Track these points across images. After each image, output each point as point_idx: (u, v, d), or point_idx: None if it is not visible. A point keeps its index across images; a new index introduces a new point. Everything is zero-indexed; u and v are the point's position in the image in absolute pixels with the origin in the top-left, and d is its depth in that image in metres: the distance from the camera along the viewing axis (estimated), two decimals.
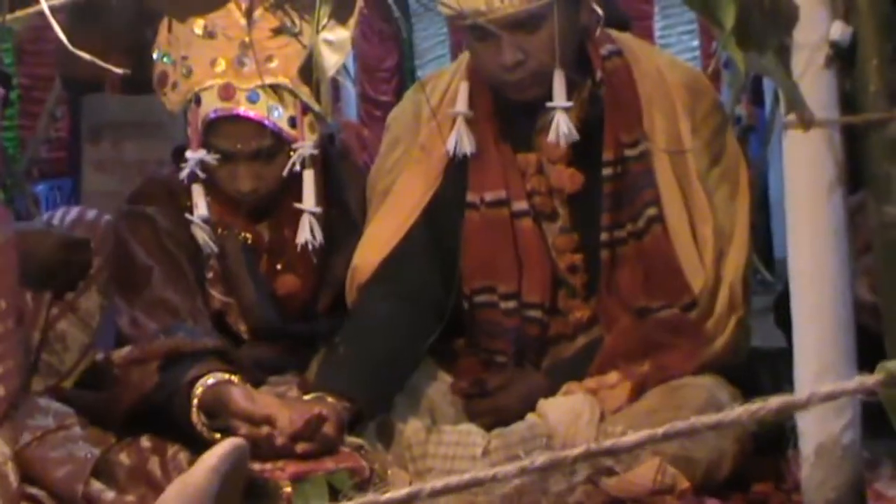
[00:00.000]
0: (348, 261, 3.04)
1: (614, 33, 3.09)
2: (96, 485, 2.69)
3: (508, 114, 2.99)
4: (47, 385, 3.02)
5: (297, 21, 2.89)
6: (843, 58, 2.19)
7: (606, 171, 2.96)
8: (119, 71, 1.71)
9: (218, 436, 2.65)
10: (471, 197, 3.00)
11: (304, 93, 2.88)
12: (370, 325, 2.93)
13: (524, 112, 2.95)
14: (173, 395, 2.74)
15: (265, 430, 2.64)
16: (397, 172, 3.05)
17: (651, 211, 2.94)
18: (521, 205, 2.98)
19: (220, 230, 3.05)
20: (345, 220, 3.13)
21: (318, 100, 1.36)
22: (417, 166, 3.01)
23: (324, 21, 1.50)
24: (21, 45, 5.39)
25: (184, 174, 2.98)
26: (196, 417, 2.70)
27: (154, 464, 2.76)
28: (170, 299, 2.94)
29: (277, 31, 2.76)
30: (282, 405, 2.67)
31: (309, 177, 2.96)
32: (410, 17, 5.65)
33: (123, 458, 2.78)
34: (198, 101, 2.96)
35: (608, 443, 1.25)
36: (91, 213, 3.19)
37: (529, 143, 2.98)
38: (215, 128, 2.96)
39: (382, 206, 3.03)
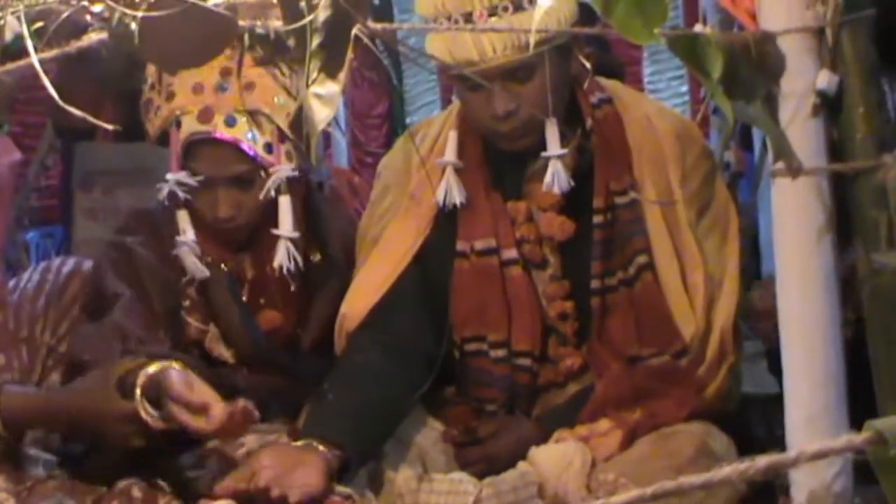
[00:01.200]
0: (330, 300, 3.04)
1: (604, 81, 3.08)
2: None
3: (499, 162, 2.99)
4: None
5: (285, 71, 2.92)
6: (829, 106, 2.20)
7: (597, 219, 2.95)
8: (109, 127, 1.73)
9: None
10: (460, 245, 2.99)
11: (282, 120, 2.93)
12: (359, 373, 2.93)
13: (514, 161, 2.95)
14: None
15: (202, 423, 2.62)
16: (387, 220, 3.05)
17: (641, 258, 2.93)
18: (510, 253, 2.97)
19: (202, 259, 3.04)
20: (327, 260, 3.13)
21: (308, 151, 1.37)
22: (407, 214, 3.01)
23: (314, 75, 1.50)
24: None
25: (163, 194, 3.00)
26: (142, 408, 2.65)
27: None
28: (124, 326, 2.93)
29: (260, 62, 2.80)
30: (218, 397, 2.65)
31: (285, 202, 2.98)
32: (401, 64, 5.67)
33: None
34: (178, 124, 2.99)
35: (598, 503, 1.25)
36: (87, 265, 3.19)
37: (519, 191, 2.98)
38: (194, 151, 2.99)
39: (372, 253, 3.03)
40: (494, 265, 2.97)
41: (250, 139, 2.96)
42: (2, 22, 1.71)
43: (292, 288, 3.05)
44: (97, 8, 1.69)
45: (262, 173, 2.98)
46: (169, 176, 3.00)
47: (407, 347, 2.98)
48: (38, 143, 5.35)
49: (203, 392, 2.64)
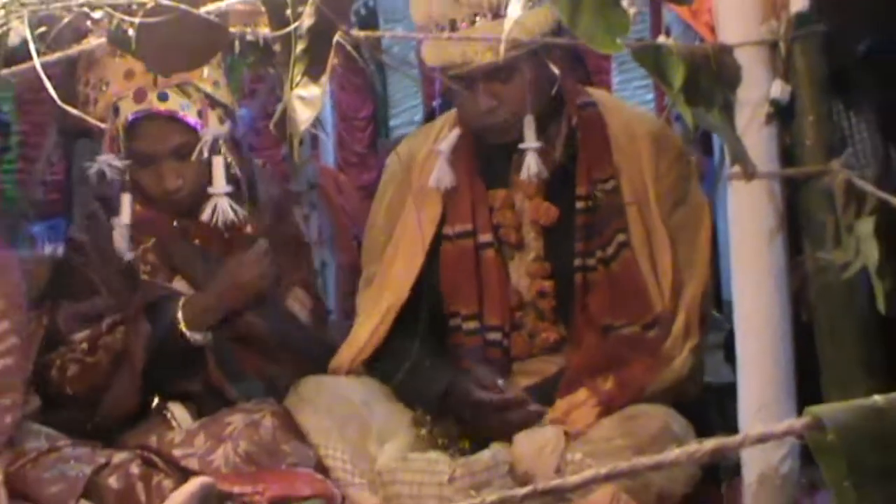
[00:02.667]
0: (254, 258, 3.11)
1: (590, 89, 3.19)
2: None
3: (487, 155, 3.06)
4: None
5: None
6: (782, 114, 2.21)
7: (579, 205, 3.02)
8: (102, 125, 1.74)
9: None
10: (446, 229, 3.07)
11: (208, 87, 3.02)
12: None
13: (501, 153, 3.02)
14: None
15: None
16: (393, 212, 3.12)
17: (621, 237, 3.00)
18: (486, 237, 3.04)
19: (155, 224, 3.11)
20: (256, 216, 3.19)
21: (291, 152, 1.38)
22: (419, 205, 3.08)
23: (297, 79, 1.50)
24: (20, 94, 5.38)
25: (91, 171, 3.07)
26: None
27: (140, 489, 2.77)
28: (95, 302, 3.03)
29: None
30: None
31: (218, 161, 3.05)
32: (385, 71, 5.69)
33: (112, 482, 2.78)
34: (116, 110, 3.05)
35: (553, 482, 1.26)
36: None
37: (506, 181, 3.04)
38: (134, 132, 3.05)
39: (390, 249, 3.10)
40: (470, 247, 3.05)
41: (184, 109, 3.03)
42: (7, 27, 1.71)
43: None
44: (97, 14, 1.69)
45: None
46: (100, 158, 3.06)
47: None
48: (44, 141, 5.36)
49: None
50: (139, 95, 3.03)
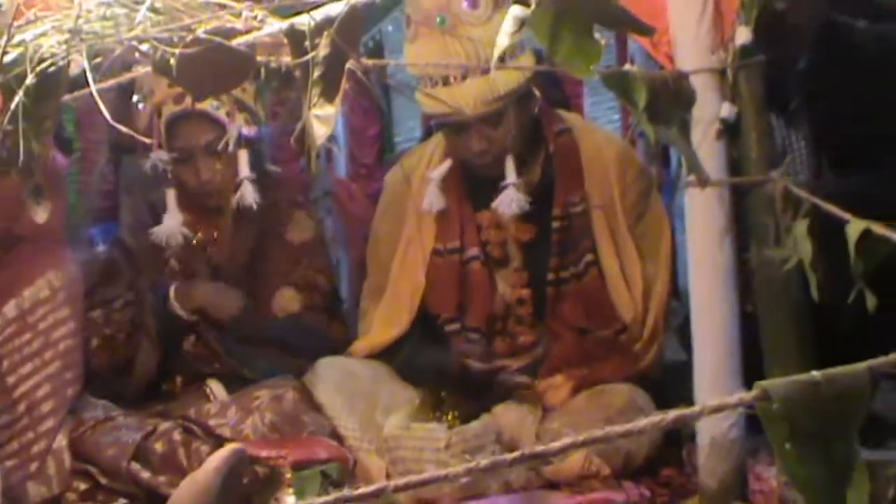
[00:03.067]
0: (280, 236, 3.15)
1: (565, 114, 3.15)
2: (136, 466, 2.75)
3: (474, 180, 3.03)
4: None
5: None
6: (730, 131, 2.21)
7: (555, 224, 3.00)
8: (147, 140, 1.75)
9: None
10: (436, 245, 3.05)
11: (237, 91, 3.00)
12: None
13: (488, 181, 2.98)
14: None
15: None
16: (394, 228, 3.10)
17: (589, 257, 2.99)
18: (473, 251, 3.03)
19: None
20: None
21: (309, 163, 1.39)
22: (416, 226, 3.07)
23: (314, 100, 1.50)
24: (80, 116, 5.37)
25: (147, 166, 3.08)
26: None
27: (181, 454, 2.76)
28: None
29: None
30: None
31: (243, 154, 3.05)
32: (389, 95, 5.71)
33: (158, 446, 2.78)
34: (159, 114, 3.07)
35: (538, 448, 1.25)
36: None
37: (491, 203, 2.98)
38: (174, 130, 3.06)
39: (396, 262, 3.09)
40: (456, 260, 3.03)
41: (215, 108, 3.03)
42: (69, 59, 1.70)
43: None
44: (144, 46, 1.68)
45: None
46: (152, 154, 3.07)
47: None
48: (99, 157, 5.34)
49: None
50: (178, 99, 3.03)
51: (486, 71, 2.82)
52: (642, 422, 1.16)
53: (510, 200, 2.90)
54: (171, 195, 3.07)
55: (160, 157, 3.06)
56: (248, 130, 3.06)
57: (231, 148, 3.01)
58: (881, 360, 0.96)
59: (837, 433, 0.93)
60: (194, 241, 3.14)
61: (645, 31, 1.63)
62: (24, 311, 2.76)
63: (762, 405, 0.97)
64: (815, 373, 0.96)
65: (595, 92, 4.92)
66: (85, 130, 5.43)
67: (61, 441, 2.75)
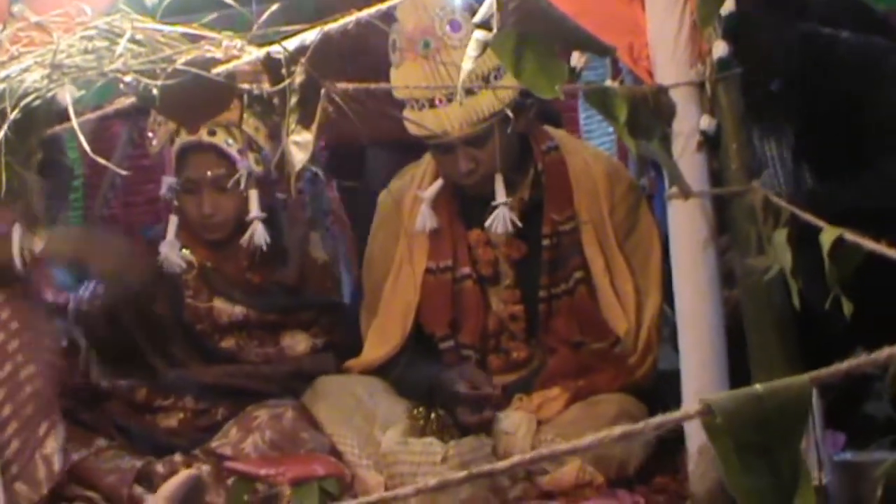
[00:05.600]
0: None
1: (553, 131, 3.14)
2: (138, 489, 2.75)
3: (465, 200, 3.03)
4: None
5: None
6: (710, 143, 2.22)
7: (545, 242, 3.00)
8: (123, 172, 1.77)
9: None
10: (429, 263, 3.05)
11: (250, 130, 2.99)
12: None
13: (479, 200, 2.99)
14: None
15: None
16: (387, 247, 3.09)
17: (578, 274, 2.98)
18: (464, 270, 3.02)
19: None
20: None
21: (288, 186, 1.40)
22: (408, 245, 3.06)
23: (292, 127, 1.51)
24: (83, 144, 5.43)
25: (162, 191, 3.07)
26: None
27: None
28: None
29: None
30: None
31: (254, 194, 3.01)
32: None
33: (159, 468, 2.80)
34: (172, 141, 3.04)
35: (529, 455, 1.28)
36: None
37: (482, 222, 2.98)
38: (184, 160, 3.03)
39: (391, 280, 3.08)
40: (449, 279, 3.03)
41: (227, 144, 3.00)
42: (51, 92, 1.72)
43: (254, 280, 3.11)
44: (127, 78, 1.70)
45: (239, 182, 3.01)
46: (165, 180, 3.05)
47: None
48: (101, 182, 5.37)
49: None
50: (193, 128, 2.98)
51: (470, 92, 2.82)
52: (622, 427, 1.18)
53: (501, 220, 2.90)
54: (172, 222, 3.04)
55: (169, 182, 3.04)
56: (259, 170, 3.02)
57: (242, 186, 2.99)
58: (822, 371, 0.97)
59: (781, 445, 0.94)
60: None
61: (605, 51, 1.65)
62: None
63: (706, 419, 0.98)
64: (758, 386, 0.97)
65: (589, 106, 4.94)
66: (88, 157, 5.47)
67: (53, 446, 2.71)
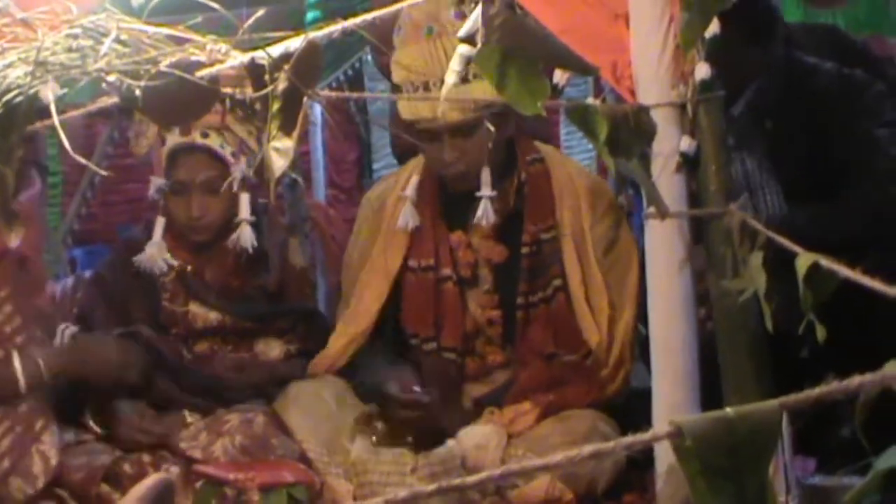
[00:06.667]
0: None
1: (539, 144, 3.16)
2: (106, 488, 2.74)
3: (449, 201, 3.05)
4: None
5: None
6: (690, 164, 2.22)
7: (525, 250, 3.01)
8: (103, 172, 1.76)
9: None
10: (410, 262, 3.05)
11: (244, 134, 2.99)
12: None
13: (462, 200, 2.99)
14: None
15: None
16: (365, 248, 3.11)
17: (557, 282, 3.00)
18: (446, 271, 3.03)
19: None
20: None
21: (268, 193, 1.40)
22: (386, 240, 3.07)
23: (273, 133, 1.51)
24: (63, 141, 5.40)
25: (151, 192, 3.05)
26: None
27: (151, 474, 2.75)
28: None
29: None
30: None
31: (244, 197, 3.01)
32: (369, 122, 5.74)
33: (127, 468, 2.78)
34: (163, 141, 3.03)
35: (499, 470, 1.27)
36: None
37: (465, 224, 3.02)
38: (176, 160, 3.02)
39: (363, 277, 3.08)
40: (431, 280, 3.03)
41: (220, 147, 2.99)
42: (34, 89, 1.71)
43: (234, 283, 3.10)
44: (111, 78, 1.69)
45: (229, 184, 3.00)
46: (153, 180, 3.04)
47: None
48: (81, 180, 5.35)
49: None
50: (184, 130, 2.99)
51: (465, 79, 2.82)
52: (592, 446, 1.17)
53: (485, 211, 2.91)
54: (159, 223, 3.03)
55: (158, 184, 3.03)
56: (250, 174, 3.01)
57: (235, 188, 2.98)
58: (792, 396, 0.97)
59: (749, 469, 0.94)
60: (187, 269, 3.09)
61: (588, 70, 1.65)
62: None
63: (676, 441, 0.99)
64: (729, 410, 0.97)
65: (569, 122, 4.96)
66: (68, 154, 5.44)
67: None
